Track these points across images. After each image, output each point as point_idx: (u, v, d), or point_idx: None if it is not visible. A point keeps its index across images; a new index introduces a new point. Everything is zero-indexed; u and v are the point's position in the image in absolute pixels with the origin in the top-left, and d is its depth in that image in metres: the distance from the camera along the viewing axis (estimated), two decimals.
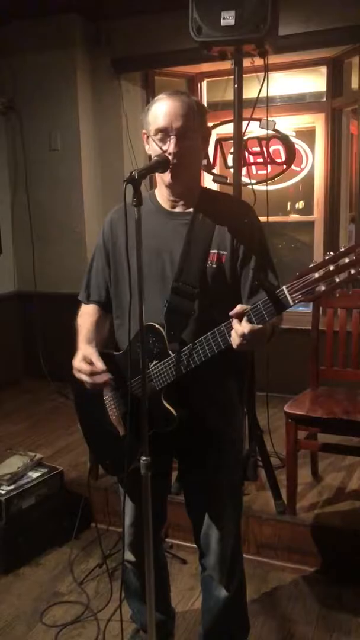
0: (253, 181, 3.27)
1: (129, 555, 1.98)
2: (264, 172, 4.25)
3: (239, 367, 1.83)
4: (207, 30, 2.56)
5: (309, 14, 3.76)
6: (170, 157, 1.64)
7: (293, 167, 4.34)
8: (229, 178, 3.60)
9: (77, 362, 1.75)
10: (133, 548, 1.96)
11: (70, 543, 2.88)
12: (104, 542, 2.76)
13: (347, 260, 1.38)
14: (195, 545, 1.98)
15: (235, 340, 1.50)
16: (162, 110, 1.65)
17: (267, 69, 2.83)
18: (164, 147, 1.65)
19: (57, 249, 4.63)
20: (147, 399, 1.58)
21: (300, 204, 5.05)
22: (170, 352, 1.67)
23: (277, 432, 3.23)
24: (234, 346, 1.52)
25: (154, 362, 1.69)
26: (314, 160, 4.44)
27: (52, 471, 2.99)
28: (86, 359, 1.74)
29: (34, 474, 2.94)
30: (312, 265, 1.42)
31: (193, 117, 1.66)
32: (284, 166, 4.20)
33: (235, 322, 1.49)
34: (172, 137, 1.64)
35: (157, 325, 1.68)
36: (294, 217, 4.95)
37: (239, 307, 1.50)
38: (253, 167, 4.14)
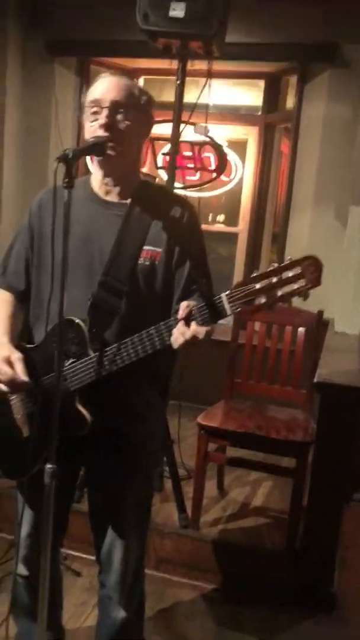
0: (180, 185, 3.21)
1: (21, 569, 1.80)
2: (193, 177, 4.22)
3: (161, 371, 1.70)
4: (155, 19, 2.46)
5: (253, 25, 3.74)
6: (101, 131, 1.52)
7: (222, 177, 4.33)
8: (157, 179, 3.50)
9: None
10: (27, 561, 1.78)
11: None
12: None
13: (290, 274, 1.33)
14: (91, 557, 1.85)
15: (178, 340, 1.41)
16: (100, 83, 1.56)
17: (210, 72, 2.78)
18: (96, 120, 1.53)
19: None
20: (59, 399, 1.44)
21: (220, 217, 5.03)
22: (90, 352, 1.53)
23: (184, 442, 3.15)
24: (175, 346, 1.42)
25: (71, 361, 1.55)
26: (244, 173, 4.44)
27: None
28: (7, 361, 1.58)
29: None
30: (254, 274, 1.36)
31: (132, 96, 1.55)
32: (214, 174, 4.17)
33: (181, 323, 1.40)
34: (104, 109, 1.52)
35: (77, 321, 1.54)
36: (219, 227, 4.92)
37: (185, 305, 1.41)
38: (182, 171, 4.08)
